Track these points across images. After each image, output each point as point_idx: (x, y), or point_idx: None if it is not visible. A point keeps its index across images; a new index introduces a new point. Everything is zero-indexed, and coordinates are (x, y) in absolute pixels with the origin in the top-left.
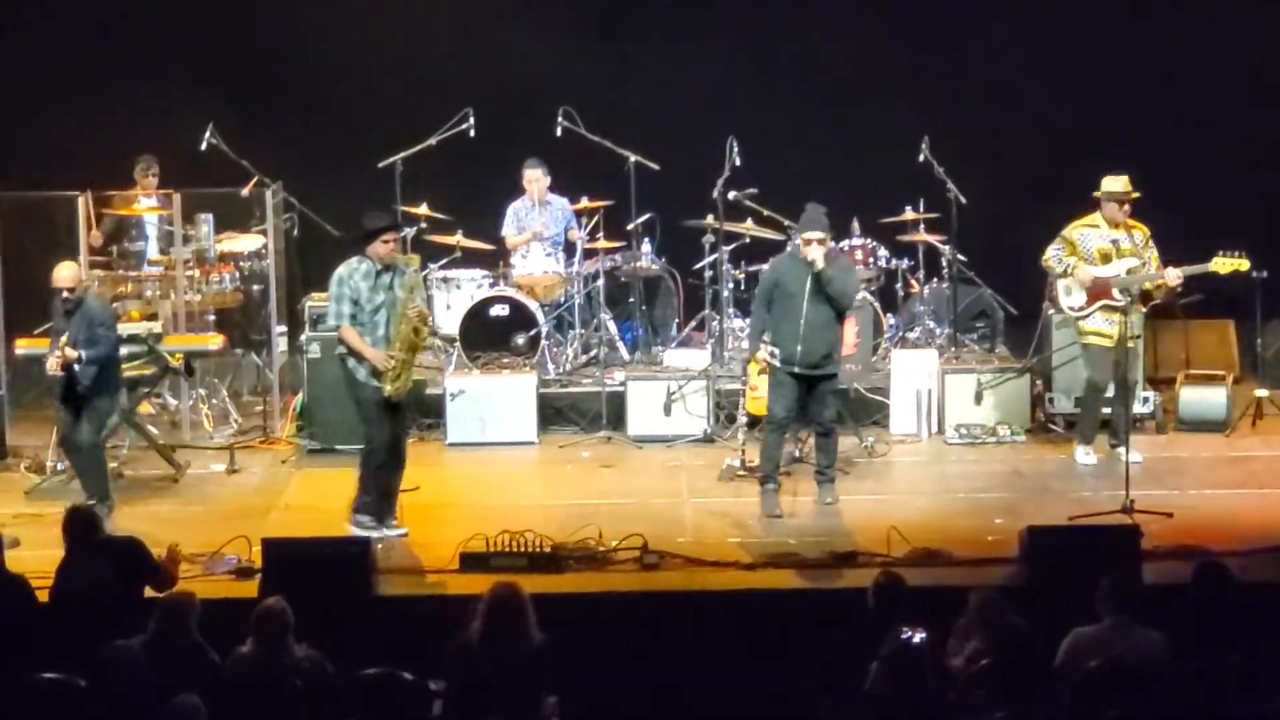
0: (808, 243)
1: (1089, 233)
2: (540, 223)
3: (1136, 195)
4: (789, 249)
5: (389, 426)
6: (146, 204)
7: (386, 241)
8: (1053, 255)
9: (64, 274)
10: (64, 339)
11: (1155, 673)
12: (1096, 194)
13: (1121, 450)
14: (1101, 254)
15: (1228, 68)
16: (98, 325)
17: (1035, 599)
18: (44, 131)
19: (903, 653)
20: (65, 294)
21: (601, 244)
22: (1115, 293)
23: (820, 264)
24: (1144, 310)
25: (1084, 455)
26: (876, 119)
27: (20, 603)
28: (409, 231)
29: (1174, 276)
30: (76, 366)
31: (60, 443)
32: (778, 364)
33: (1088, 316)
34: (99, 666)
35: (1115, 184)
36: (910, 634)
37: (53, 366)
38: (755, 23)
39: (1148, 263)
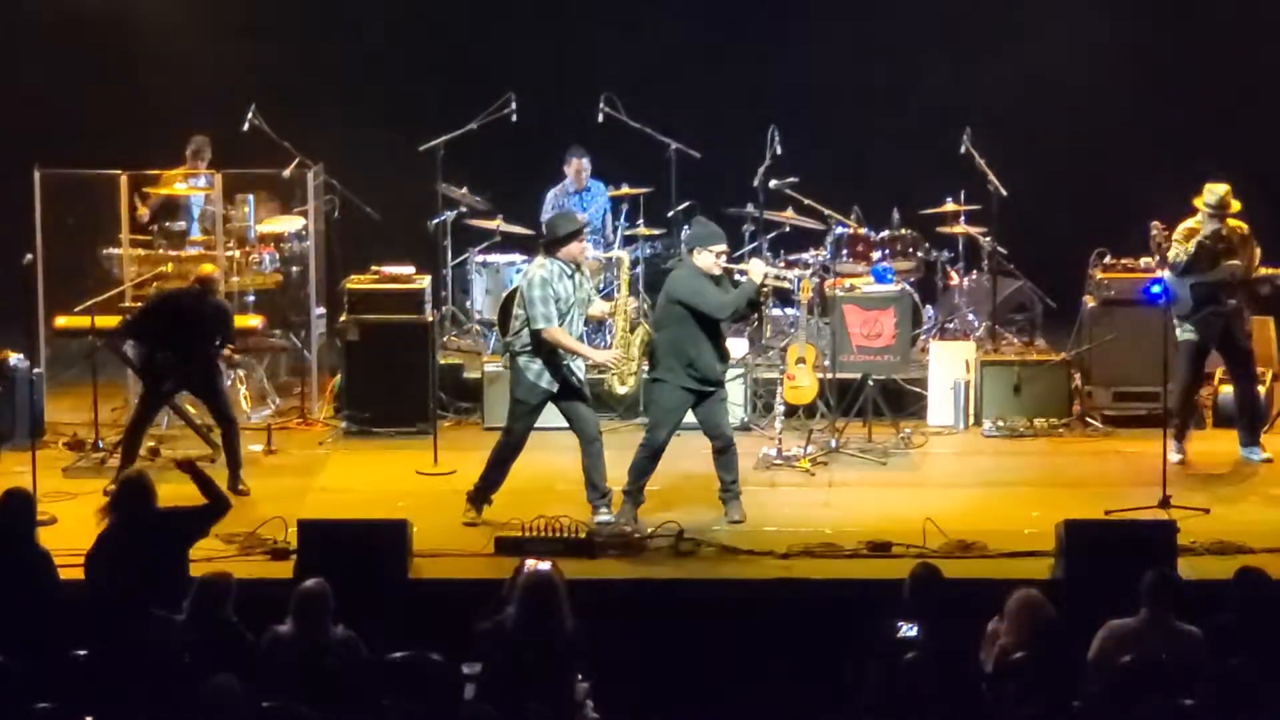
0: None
1: (1193, 235)
2: (580, 209)
3: (1235, 210)
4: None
5: (531, 424)
6: (190, 184)
7: (582, 241)
8: (1174, 256)
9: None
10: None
11: (1192, 669)
12: (1196, 200)
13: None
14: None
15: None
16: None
17: (1071, 593)
18: (86, 110)
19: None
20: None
21: (642, 230)
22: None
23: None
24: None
25: (1172, 453)
26: (918, 109)
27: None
28: (449, 215)
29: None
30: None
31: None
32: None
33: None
34: (136, 643)
35: (1211, 195)
36: (902, 628)
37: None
38: (797, 11)
39: (1252, 259)
